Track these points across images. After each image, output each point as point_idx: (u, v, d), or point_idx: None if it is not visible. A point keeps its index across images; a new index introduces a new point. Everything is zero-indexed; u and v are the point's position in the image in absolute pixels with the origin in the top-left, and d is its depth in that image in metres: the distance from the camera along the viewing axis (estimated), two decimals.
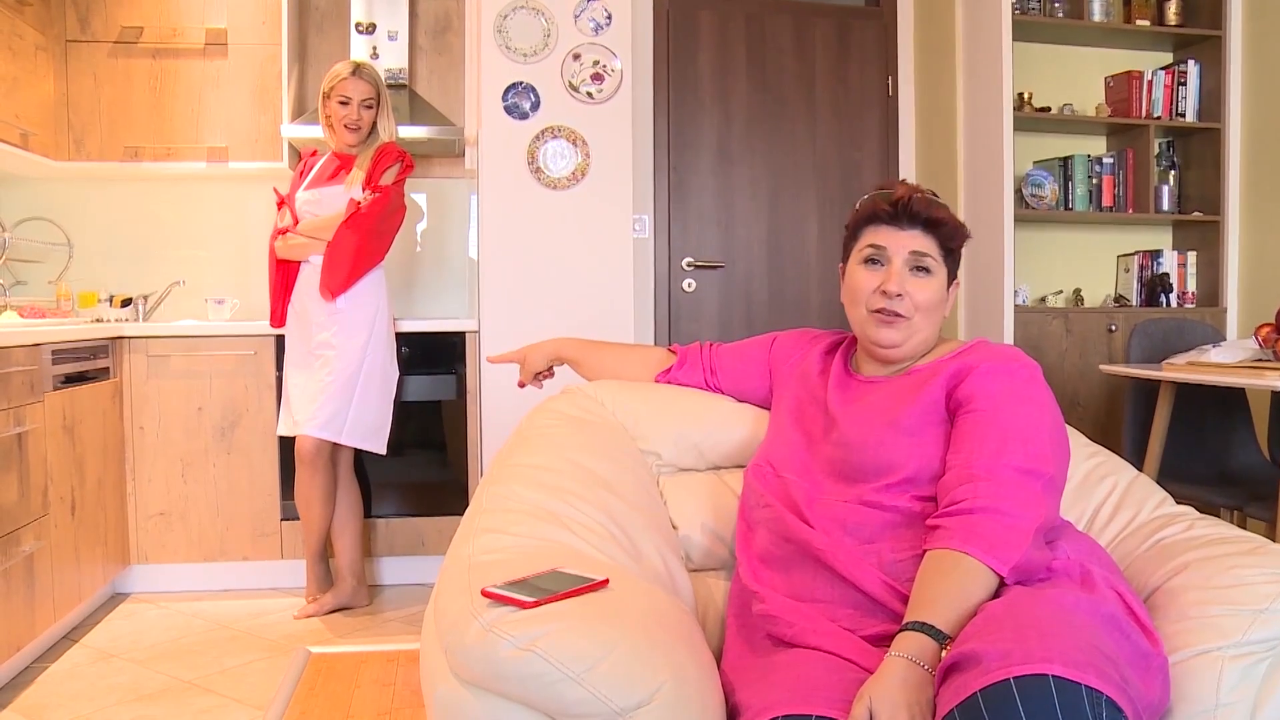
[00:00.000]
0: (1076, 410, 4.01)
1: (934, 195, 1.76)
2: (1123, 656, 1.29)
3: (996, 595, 1.43)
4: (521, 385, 2.28)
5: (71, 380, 3.30)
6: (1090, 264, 4.47)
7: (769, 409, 1.99)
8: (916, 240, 1.71)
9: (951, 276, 1.76)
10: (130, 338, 3.75)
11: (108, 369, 3.62)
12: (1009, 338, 3.90)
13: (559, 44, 3.88)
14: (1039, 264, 4.42)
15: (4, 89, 3.62)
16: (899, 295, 1.69)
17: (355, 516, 3.64)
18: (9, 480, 2.84)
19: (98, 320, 4.04)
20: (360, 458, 3.70)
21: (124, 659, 3.13)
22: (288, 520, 3.83)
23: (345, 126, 3.48)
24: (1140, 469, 3.21)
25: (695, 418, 2.06)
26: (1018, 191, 4.21)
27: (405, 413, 3.88)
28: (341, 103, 3.47)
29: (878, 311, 1.72)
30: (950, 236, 1.72)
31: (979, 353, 1.68)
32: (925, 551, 1.49)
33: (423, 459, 4.04)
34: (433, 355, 3.98)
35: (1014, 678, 1.16)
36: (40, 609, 3.02)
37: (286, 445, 3.67)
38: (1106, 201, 4.29)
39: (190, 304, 4.36)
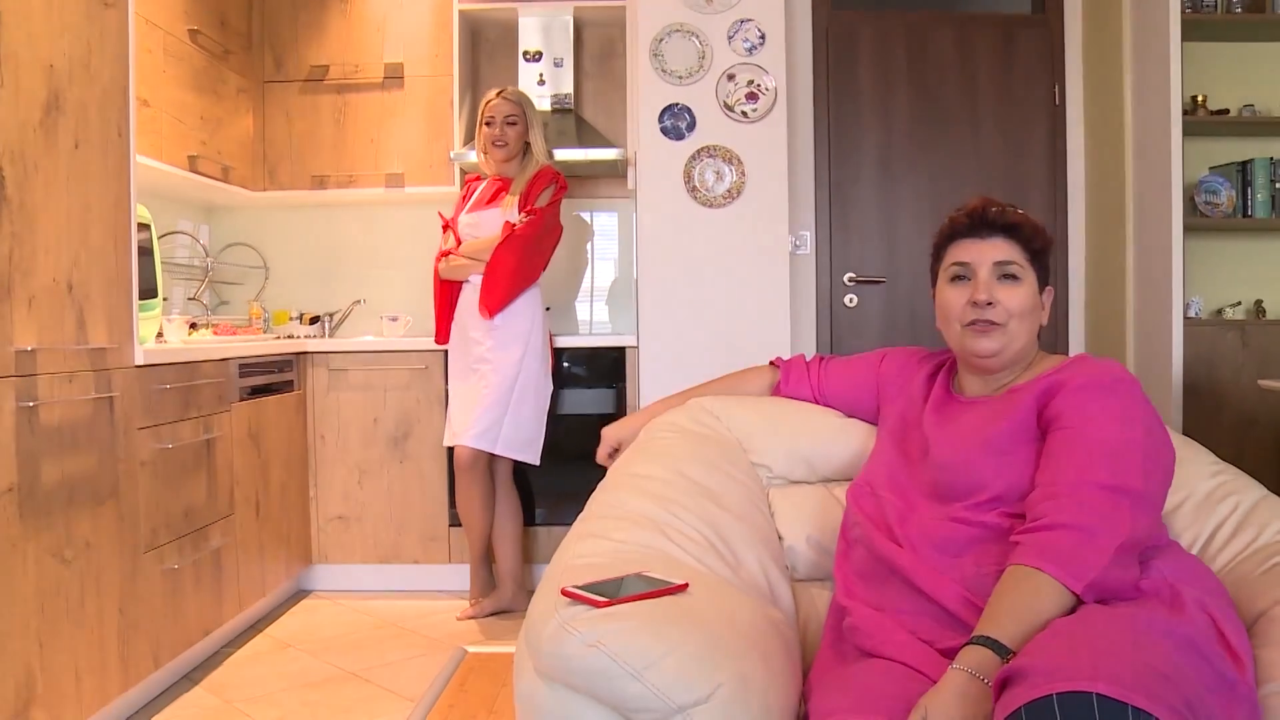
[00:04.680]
0: (1255, 430, 3.78)
1: (1012, 207, 1.76)
2: (1197, 681, 1.25)
3: (1073, 613, 1.41)
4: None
5: (258, 392, 3.60)
6: (1274, 274, 4.20)
7: (876, 424, 2.01)
8: (999, 249, 1.72)
9: (1043, 283, 1.75)
10: (312, 353, 4.05)
11: (292, 382, 3.92)
12: (1177, 352, 3.71)
13: (713, 65, 3.96)
14: (1215, 275, 4.19)
15: (210, 129, 3.99)
16: (990, 304, 1.70)
17: (515, 524, 3.81)
18: (198, 481, 3.13)
19: (290, 336, 4.37)
20: (522, 469, 3.87)
21: (299, 649, 3.39)
22: (455, 526, 4.04)
23: (493, 144, 3.69)
24: None
25: (806, 432, 2.10)
26: (1190, 199, 4.02)
27: (566, 425, 4.04)
28: (487, 124, 3.69)
29: (971, 324, 1.72)
30: (1031, 239, 1.73)
31: (1073, 369, 1.66)
32: None
33: (582, 470, 4.14)
34: (594, 370, 4.12)
35: (1057, 694, 1.16)
36: (227, 599, 3.31)
37: (453, 455, 3.88)
38: None
39: (369, 321, 4.67)
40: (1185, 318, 3.77)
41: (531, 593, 3.98)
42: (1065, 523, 1.46)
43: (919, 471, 1.77)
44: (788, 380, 2.16)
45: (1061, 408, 1.61)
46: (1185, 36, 3.79)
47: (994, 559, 1.56)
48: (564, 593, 1.44)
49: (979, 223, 1.74)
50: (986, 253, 1.73)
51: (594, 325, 4.80)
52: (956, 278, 1.76)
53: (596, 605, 1.40)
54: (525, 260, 3.63)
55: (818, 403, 2.13)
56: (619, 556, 1.63)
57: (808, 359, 2.19)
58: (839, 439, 2.08)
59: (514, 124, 3.70)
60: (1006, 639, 1.36)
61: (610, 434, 2.26)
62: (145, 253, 3.08)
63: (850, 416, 2.09)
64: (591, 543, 1.69)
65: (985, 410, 1.74)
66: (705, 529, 1.79)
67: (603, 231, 4.80)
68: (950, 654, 1.48)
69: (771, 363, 2.23)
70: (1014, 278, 1.72)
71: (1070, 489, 1.50)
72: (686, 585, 1.50)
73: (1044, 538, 1.46)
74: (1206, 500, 1.87)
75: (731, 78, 3.97)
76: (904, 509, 1.73)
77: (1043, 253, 1.75)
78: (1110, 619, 1.33)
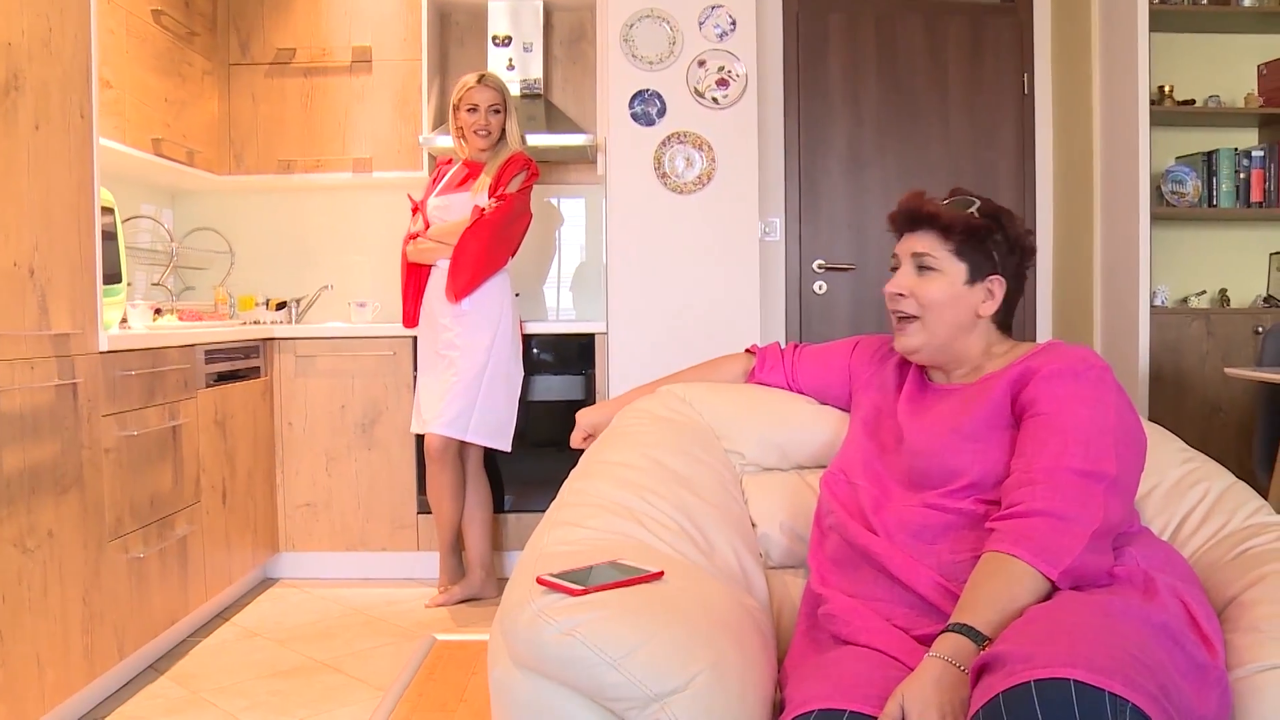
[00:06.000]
0: (1218, 417, 3.83)
1: (964, 195, 1.79)
2: (1171, 667, 1.26)
3: (1049, 599, 1.42)
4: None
5: (224, 378, 3.56)
6: (1238, 263, 4.25)
7: (850, 411, 2.02)
8: (919, 241, 1.77)
9: (982, 271, 1.75)
10: (279, 339, 4.01)
11: (259, 368, 3.88)
12: (1144, 340, 3.76)
13: (684, 51, 3.95)
14: (1181, 264, 4.24)
15: (174, 112, 3.92)
16: (900, 295, 1.77)
17: (485, 511, 3.79)
18: (164, 469, 3.09)
19: (256, 322, 4.32)
20: (492, 455, 3.85)
21: (266, 638, 3.36)
22: (424, 514, 4.02)
23: (475, 133, 3.65)
24: (1270, 479, 3.07)
25: (779, 419, 2.10)
26: (1157, 189, 4.06)
27: (536, 412, 4.03)
28: (470, 110, 3.65)
29: (893, 315, 1.80)
30: (949, 229, 1.74)
31: (1045, 355, 1.67)
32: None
33: (552, 457, 4.16)
34: (563, 356, 4.11)
35: (1035, 680, 1.16)
36: (193, 588, 3.28)
37: (423, 441, 3.85)
38: (1255, 197, 4.06)
39: (337, 307, 4.62)
40: (1151, 306, 3.81)
41: (501, 580, 3.99)
42: (1040, 509, 1.47)
43: (893, 459, 1.77)
44: (763, 367, 2.17)
45: (1035, 394, 1.62)
46: (1152, 27, 3.83)
47: (969, 546, 1.56)
48: (539, 581, 1.43)
49: (905, 217, 1.80)
50: (909, 245, 1.79)
51: (561, 311, 4.78)
52: (892, 270, 1.83)
53: (572, 594, 1.39)
54: (493, 245, 3.60)
55: (791, 390, 2.13)
56: (594, 544, 1.62)
57: (782, 347, 2.19)
58: (812, 426, 2.08)
59: (498, 112, 3.68)
60: (983, 626, 1.37)
61: (585, 419, 2.26)
62: (109, 237, 3.03)
63: (823, 404, 2.09)
64: (566, 530, 1.67)
65: (959, 397, 1.74)
66: (679, 516, 1.79)
67: (571, 217, 4.78)
68: (926, 641, 1.48)
69: (748, 350, 2.23)
70: (929, 269, 1.76)
71: (1045, 475, 1.51)
72: (662, 573, 1.49)
73: (1019, 524, 1.47)
74: (1176, 487, 1.89)
75: (702, 64, 3.95)
76: (879, 496, 1.73)
77: (972, 242, 1.75)
78: (1086, 606, 1.34)
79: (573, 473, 1.96)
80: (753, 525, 1.99)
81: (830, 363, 2.09)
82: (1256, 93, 4.16)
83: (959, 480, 1.64)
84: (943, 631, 1.39)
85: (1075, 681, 1.15)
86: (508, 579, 3.93)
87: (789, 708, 1.39)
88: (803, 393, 2.12)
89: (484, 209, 3.57)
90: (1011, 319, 1.84)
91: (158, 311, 3.81)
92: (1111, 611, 1.33)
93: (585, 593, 1.39)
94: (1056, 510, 1.46)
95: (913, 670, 1.39)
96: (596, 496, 1.80)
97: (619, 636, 1.32)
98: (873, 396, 1.93)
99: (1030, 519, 1.47)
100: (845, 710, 1.32)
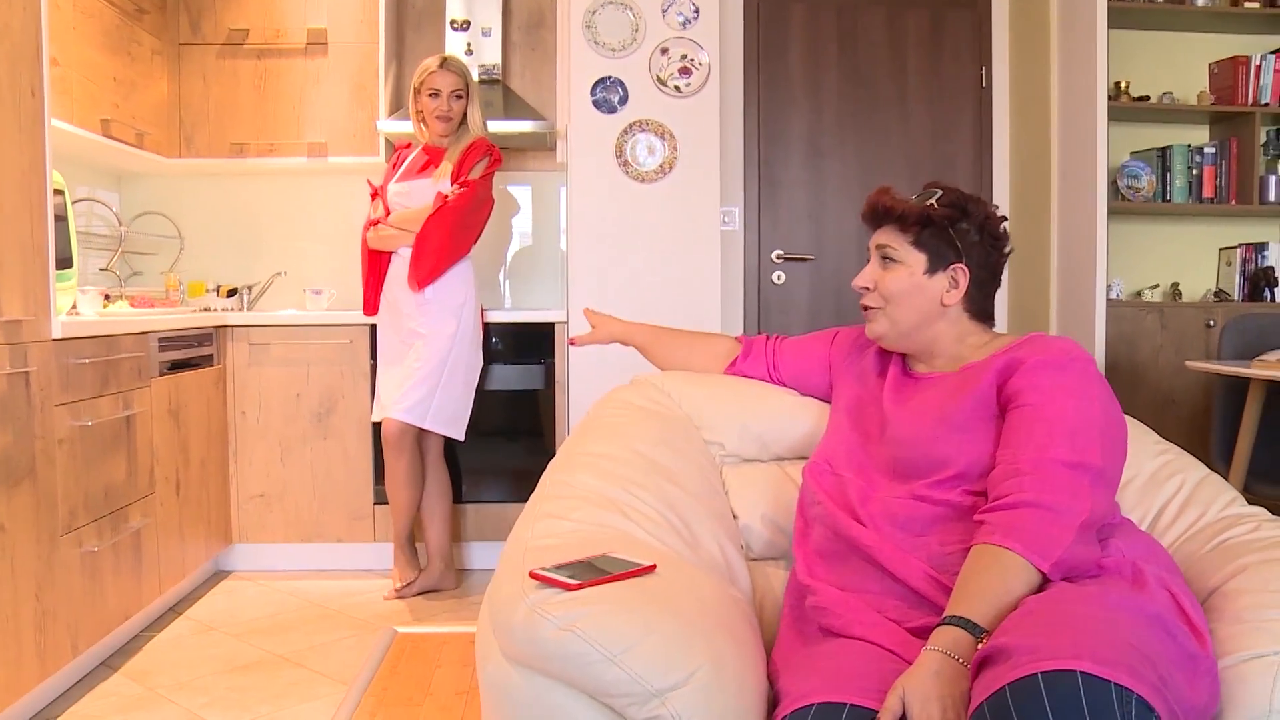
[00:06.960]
0: (1172, 409, 3.90)
1: (934, 187, 1.81)
2: (1166, 657, 1.27)
3: (1041, 591, 1.42)
4: (571, 343, 2.43)
5: (177, 367, 3.47)
6: (1190, 258, 4.34)
7: (830, 402, 2.01)
8: (882, 234, 1.82)
9: (941, 260, 1.77)
10: (233, 326, 3.92)
11: (212, 356, 3.79)
12: (1100, 332, 3.81)
13: (647, 38, 3.92)
14: (1135, 258, 4.30)
15: (122, 92, 3.81)
16: (866, 288, 1.82)
17: (444, 501, 3.74)
18: (118, 460, 3.01)
19: (205, 309, 4.22)
20: (451, 446, 3.81)
21: (223, 632, 3.28)
22: (380, 504, 3.96)
23: (437, 118, 3.59)
24: (1228, 469, 3.13)
25: (759, 410, 2.09)
26: (1113, 183, 4.11)
27: (496, 401, 3.99)
28: (431, 95, 3.58)
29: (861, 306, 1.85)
30: (905, 220, 1.78)
31: (1030, 347, 1.68)
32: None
33: (512, 447, 4.13)
34: (523, 345, 4.07)
35: (1042, 673, 1.16)
36: (147, 582, 3.19)
37: (380, 431, 3.79)
38: (1207, 193, 4.15)
39: (291, 294, 4.53)
40: (1107, 299, 3.86)
41: (460, 571, 3.95)
42: (1029, 501, 1.47)
43: (877, 449, 1.77)
44: (747, 357, 2.16)
45: (1020, 385, 1.62)
46: (1110, 23, 3.87)
47: (958, 537, 1.56)
48: (533, 575, 1.40)
49: (871, 214, 1.85)
50: (875, 239, 1.83)
51: (522, 299, 4.73)
52: (867, 263, 1.87)
53: (568, 588, 1.37)
54: (456, 233, 3.55)
55: (771, 381, 2.12)
56: (579, 537, 1.59)
57: (766, 339, 2.18)
58: (791, 417, 2.07)
59: (460, 98, 3.63)
60: (979, 618, 1.37)
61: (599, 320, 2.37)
62: (60, 220, 2.93)
63: (805, 396, 2.09)
64: (550, 523, 1.65)
65: (942, 386, 1.74)
66: (663, 508, 1.77)
67: (526, 204, 4.73)
68: (919, 633, 1.48)
69: (738, 339, 2.22)
70: (891, 260, 1.80)
71: (1032, 466, 1.51)
72: (654, 566, 1.47)
73: (1009, 516, 1.47)
74: (1153, 479, 1.91)
75: (665, 52, 3.93)
76: (865, 488, 1.72)
77: (931, 232, 1.77)
78: (1085, 597, 1.34)
79: (552, 464, 1.93)
80: (734, 517, 1.98)
81: (810, 353, 2.08)
82: (1208, 90, 4.24)
83: (945, 471, 1.63)
84: (939, 624, 1.39)
85: (1082, 673, 1.15)
86: (466, 570, 3.94)
87: (785, 701, 1.38)
88: (783, 384, 2.11)
89: (447, 195, 3.51)
90: (990, 308, 1.85)
91: (107, 298, 3.70)
92: (1109, 603, 1.33)
93: (580, 587, 1.37)
94: (1045, 502, 1.47)
95: (909, 663, 1.39)
96: (579, 488, 1.77)
97: (618, 631, 1.30)
98: (853, 386, 1.93)
99: (1019, 510, 1.47)
100: (845, 703, 1.31)
